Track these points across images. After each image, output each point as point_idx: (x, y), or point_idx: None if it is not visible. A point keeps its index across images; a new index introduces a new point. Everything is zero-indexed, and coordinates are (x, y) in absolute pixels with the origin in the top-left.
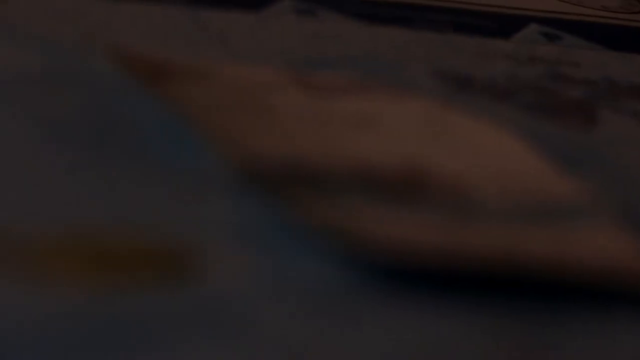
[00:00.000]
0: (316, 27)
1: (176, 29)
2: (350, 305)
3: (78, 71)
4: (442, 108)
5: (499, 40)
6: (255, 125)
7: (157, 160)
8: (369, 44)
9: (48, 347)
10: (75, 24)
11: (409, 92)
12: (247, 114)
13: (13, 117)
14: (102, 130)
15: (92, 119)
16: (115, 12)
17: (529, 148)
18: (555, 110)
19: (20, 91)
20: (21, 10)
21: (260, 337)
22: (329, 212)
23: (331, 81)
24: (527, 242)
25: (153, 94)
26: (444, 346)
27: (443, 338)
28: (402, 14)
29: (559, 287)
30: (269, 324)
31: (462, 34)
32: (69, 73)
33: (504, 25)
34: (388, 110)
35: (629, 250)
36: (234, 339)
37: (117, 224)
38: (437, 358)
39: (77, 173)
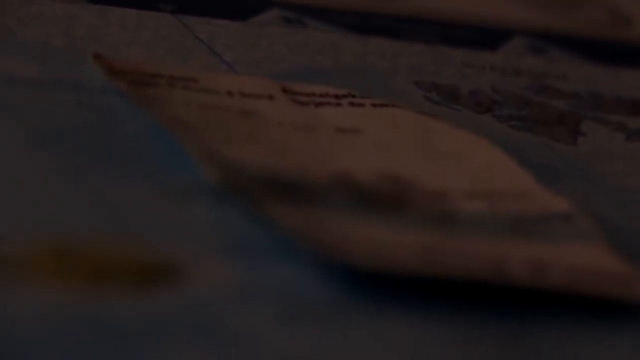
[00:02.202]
0: (304, 37)
1: (165, 36)
2: (330, 313)
3: (71, 79)
4: (428, 119)
5: (485, 52)
6: (239, 134)
7: (143, 170)
8: (357, 55)
9: (31, 349)
10: (67, 30)
11: (395, 103)
12: (231, 122)
13: (4, 124)
14: (92, 139)
15: (82, 128)
16: (106, 18)
17: (513, 160)
18: (541, 122)
19: (12, 98)
20: (14, 16)
21: (242, 343)
22: (310, 221)
23: (317, 91)
24: (511, 254)
25: (139, 103)
26: (423, 353)
27: (422, 345)
28: (390, 25)
29: (538, 298)
30: (250, 330)
31: (449, 45)
32: (61, 81)
33: (491, 37)
34: (373, 121)
35: (609, 263)
36: (216, 347)
37: (103, 232)
38: None
39: (66, 182)
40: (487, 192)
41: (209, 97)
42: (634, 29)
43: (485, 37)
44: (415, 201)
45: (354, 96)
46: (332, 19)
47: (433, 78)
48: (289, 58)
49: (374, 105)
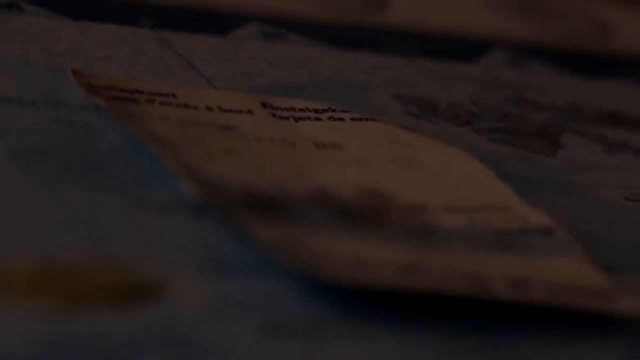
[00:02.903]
0: (283, 51)
1: (144, 52)
2: (311, 328)
3: (50, 96)
4: (407, 133)
5: (465, 65)
6: (219, 150)
7: (123, 187)
8: (336, 68)
9: None
10: (46, 46)
11: (375, 117)
12: (210, 138)
13: None
14: (71, 156)
15: (61, 145)
16: (85, 34)
17: (493, 174)
18: (520, 134)
19: None
20: None
21: (223, 359)
22: (289, 237)
23: (297, 106)
24: (491, 269)
25: (118, 118)
26: None
27: (402, 358)
28: (369, 39)
29: (518, 310)
30: (231, 346)
31: (429, 58)
32: (40, 97)
33: (471, 50)
34: (353, 135)
35: (589, 276)
36: None
37: (82, 250)
38: None
39: (45, 200)
40: (467, 206)
41: (188, 113)
42: (613, 41)
43: (465, 49)
44: (395, 216)
45: (333, 110)
46: (311, 33)
47: (413, 91)
48: (268, 73)
49: (353, 119)
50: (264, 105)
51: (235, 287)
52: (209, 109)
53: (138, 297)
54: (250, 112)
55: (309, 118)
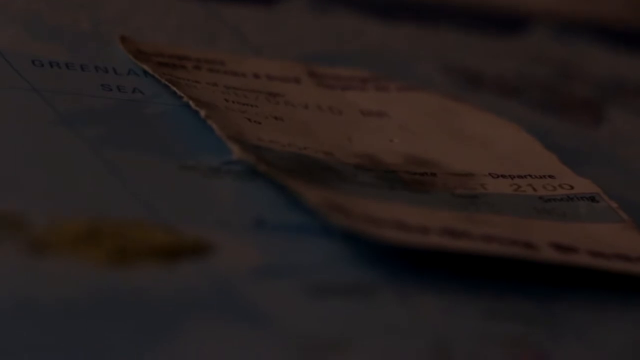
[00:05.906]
0: (329, 22)
1: (191, 22)
2: (357, 288)
3: (98, 61)
4: (453, 103)
5: (510, 38)
6: (266, 116)
7: (169, 150)
8: (381, 40)
9: (57, 326)
10: (94, 14)
11: (420, 86)
12: (258, 104)
13: (33, 106)
14: (118, 121)
15: (109, 110)
16: (132, 2)
17: (539, 143)
18: (563, 107)
19: (41, 80)
20: (41, 1)
21: (269, 318)
22: (336, 199)
23: (343, 74)
24: (537, 234)
25: (167, 84)
26: (450, 325)
27: (449, 318)
28: (414, 10)
29: (564, 272)
30: (277, 305)
31: (474, 31)
32: (89, 63)
33: (516, 23)
34: (399, 104)
35: (634, 242)
36: (243, 322)
37: (129, 211)
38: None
39: (92, 162)
40: (513, 173)
41: (235, 80)
42: None
43: (510, 23)
44: (441, 182)
45: (379, 79)
46: (357, 3)
47: (458, 63)
48: (314, 42)
49: (398, 89)
50: (310, 73)
51: (280, 248)
52: (256, 76)
53: (185, 257)
54: (296, 80)
55: (355, 87)
